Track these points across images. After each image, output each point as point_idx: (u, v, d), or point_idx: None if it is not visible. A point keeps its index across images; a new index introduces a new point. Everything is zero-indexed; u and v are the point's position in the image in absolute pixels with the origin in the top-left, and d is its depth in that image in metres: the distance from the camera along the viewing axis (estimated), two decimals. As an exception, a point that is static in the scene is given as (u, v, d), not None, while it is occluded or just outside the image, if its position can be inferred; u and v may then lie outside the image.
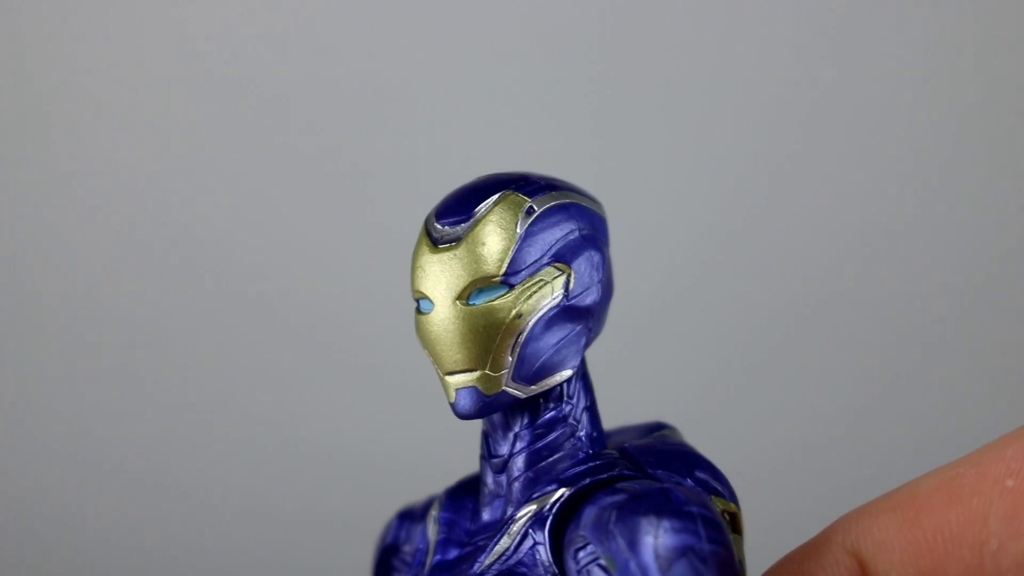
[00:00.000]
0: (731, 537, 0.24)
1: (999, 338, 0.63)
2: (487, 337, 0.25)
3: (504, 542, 0.25)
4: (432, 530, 0.27)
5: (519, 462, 0.26)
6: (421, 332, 0.26)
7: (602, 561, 0.23)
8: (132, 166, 0.63)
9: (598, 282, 0.26)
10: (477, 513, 0.27)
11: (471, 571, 0.25)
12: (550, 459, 0.26)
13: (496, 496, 0.26)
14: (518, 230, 0.25)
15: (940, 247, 0.63)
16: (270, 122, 0.63)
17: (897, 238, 0.63)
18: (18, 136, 0.63)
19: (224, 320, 0.64)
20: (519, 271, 0.25)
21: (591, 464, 0.25)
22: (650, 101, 0.62)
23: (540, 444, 0.26)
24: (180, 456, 0.64)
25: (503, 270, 0.25)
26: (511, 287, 0.25)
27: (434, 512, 0.28)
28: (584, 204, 0.26)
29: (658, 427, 0.28)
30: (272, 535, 0.64)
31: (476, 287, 0.25)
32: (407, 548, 0.29)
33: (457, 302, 0.25)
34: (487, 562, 0.25)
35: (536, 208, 0.25)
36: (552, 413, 0.26)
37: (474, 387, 0.25)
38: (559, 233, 0.25)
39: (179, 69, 0.62)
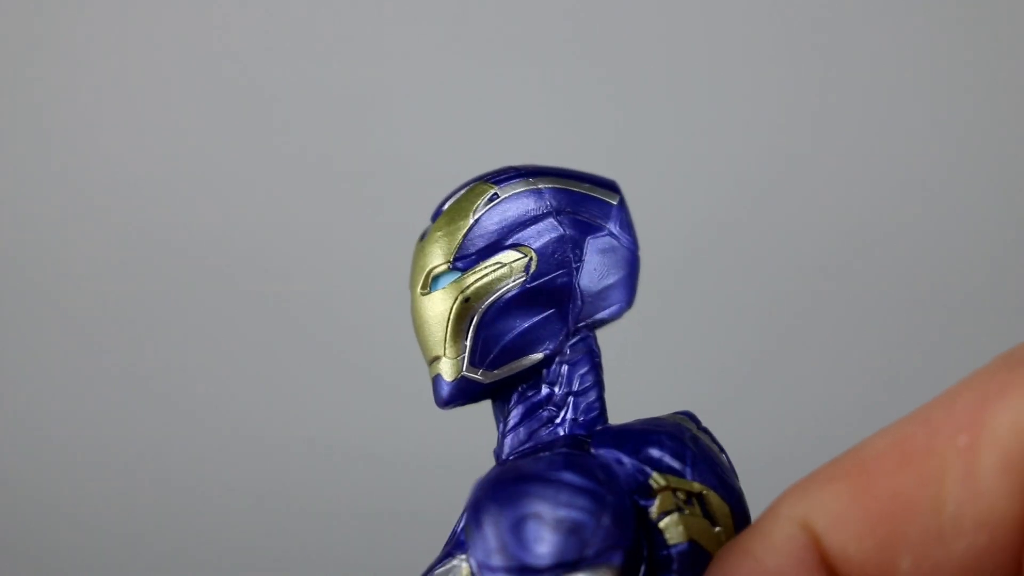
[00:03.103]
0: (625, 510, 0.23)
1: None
2: (441, 323, 0.25)
3: (459, 522, 0.25)
4: None
5: (504, 449, 0.26)
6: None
7: (463, 534, 0.23)
8: (132, 166, 0.63)
9: (576, 265, 0.26)
10: None
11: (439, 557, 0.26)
12: (526, 445, 0.26)
13: None
14: (473, 216, 0.25)
15: (955, 236, 0.63)
16: (272, 122, 0.63)
17: (913, 229, 0.63)
18: (18, 136, 0.63)
19: (227, 320, 0.64)
20: (468, 255, 0.25)
21: (543, 445, 0.25)
22: (663, 90, 0.62)
23: (519, 430, 0.26)
24: (181, 456, 0.64)
25: (452, 255, 0.25)
26: (461, 271, 0.25)
27: None
28: (576, 189, 0.26)
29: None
30: (276, 535, 0.64)
31: (432, 275, 0.25)
32: None
33: (420, 291, 0.26)
34: (445, 543, 0.25)
35: (500, 194, 0.26)
36: (533, 399, 0.26)
37: (439, 375, 0.25)
38: (522, 217, 0.26)
39: (179, 68, 0.63)
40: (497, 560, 0.22)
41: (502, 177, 0.26)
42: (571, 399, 0.26)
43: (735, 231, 0.63)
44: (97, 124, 0.63)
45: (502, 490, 0.23)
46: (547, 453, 0.25)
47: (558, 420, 0.26)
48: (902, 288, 0.62)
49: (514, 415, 0.26)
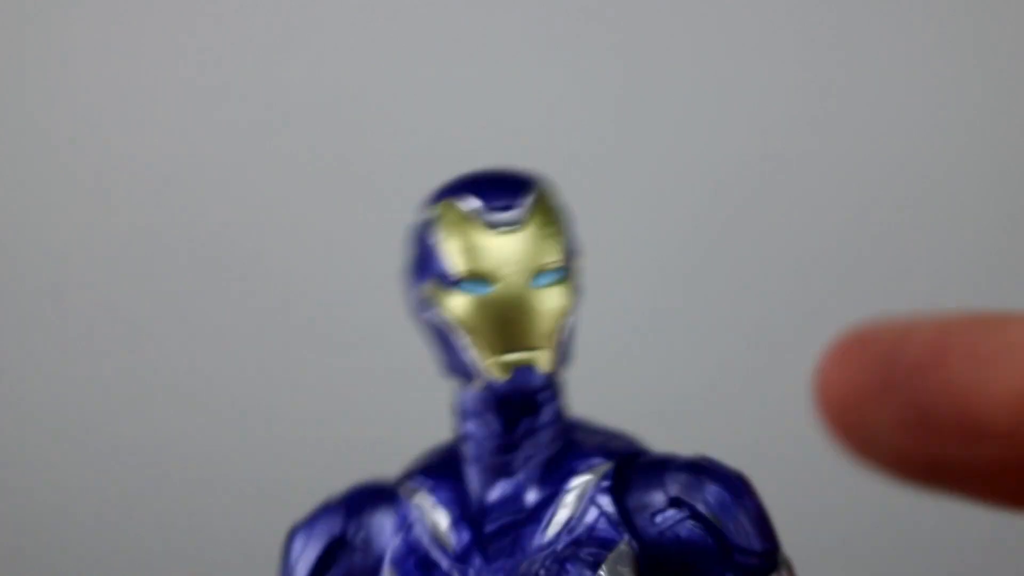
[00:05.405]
0: None
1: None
2: (548, 319, 0.26)
3: (563, 513, 0.26)
4: (431, 512, 0.28)
5: (533, 440, 0.27)
6: (472, 312, 0.26)
7: (700, 512, 0.26)
8: (132, 163, 0.63)
9: None
10: (467, 494, 0.28)
11: (533, 542, 0.26)
12: (551, 433, 0.27)
13: (499, 474, 0.27)
14: (565, 220, 0.27)
15: (960, 237, 0.62)
16: (273, 118, 0.63)
17: (920, 232, 0.63)
18: (20, 135, 0.63)
19: (230, 320, 0.64)
20: (571, 257, 0.27)
21: (604, 436, 0.28)
22: (662, 87, 0.62)
23: (545, 419, 0.27)
24: (183, 457, 0.64)
25: (562, 255, 0.26)
26: (567, 272, 0.26)
27: (421, 496, 0.28)
28: None
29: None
30: (276, 538, 0.64)
31: (541, 269, 0.26)
32: (361, 537, 0.29)
33: (526, 283, 0.26)
34: (551, 532, 0.26)
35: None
36: (557, 392, 0.27)
37: (532, 365, 0.26)
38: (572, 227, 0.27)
39: (179, 69, 0.63)
40: (759, 543, 0.26)
41: (546, 182, 0.27)
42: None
43: (737, 231, 0.63)
44: (97, 123, 0.63)
45: (731, 476, 0.26)
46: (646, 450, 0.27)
47: (565, 411, 0.28)
48: (906, 291, 0.62)
49: (547, 406, 0.27)
